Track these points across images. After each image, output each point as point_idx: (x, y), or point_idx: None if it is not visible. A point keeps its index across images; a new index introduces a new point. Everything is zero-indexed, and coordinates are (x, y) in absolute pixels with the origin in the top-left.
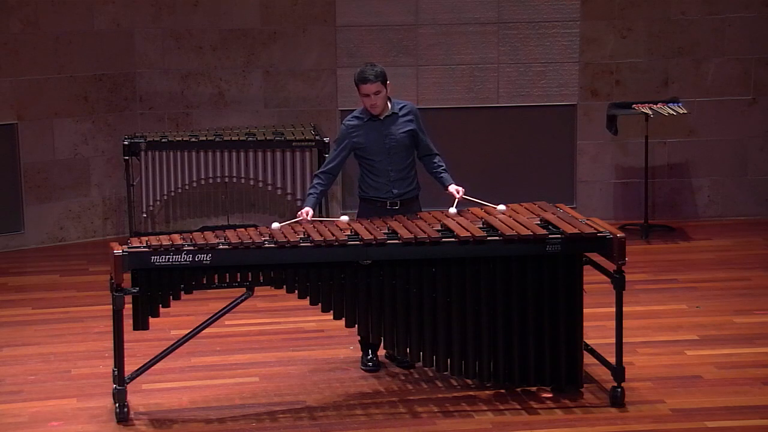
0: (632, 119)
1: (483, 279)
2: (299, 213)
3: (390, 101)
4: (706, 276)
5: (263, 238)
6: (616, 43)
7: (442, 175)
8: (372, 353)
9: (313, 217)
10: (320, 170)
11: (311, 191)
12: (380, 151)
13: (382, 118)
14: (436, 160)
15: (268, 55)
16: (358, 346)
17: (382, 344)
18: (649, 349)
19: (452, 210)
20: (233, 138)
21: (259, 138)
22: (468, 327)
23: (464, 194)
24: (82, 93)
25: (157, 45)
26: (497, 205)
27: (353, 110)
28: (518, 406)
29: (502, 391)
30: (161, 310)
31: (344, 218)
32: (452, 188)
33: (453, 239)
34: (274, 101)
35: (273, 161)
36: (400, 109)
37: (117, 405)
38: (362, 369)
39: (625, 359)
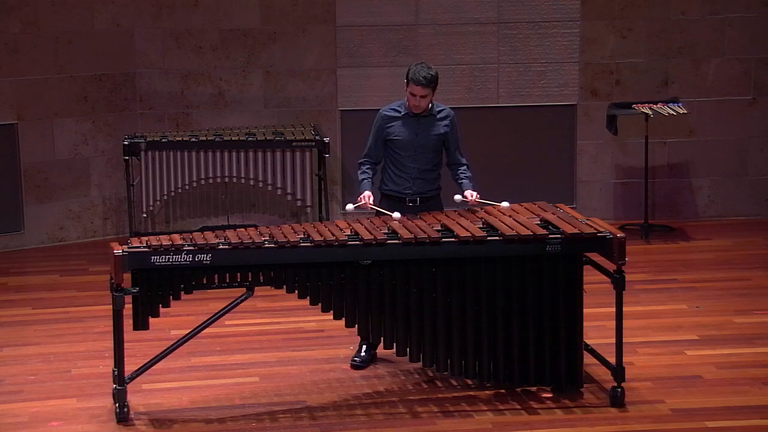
0: (632, 119)
1: (483, 279)
2: (360, 198)
3: (431, 103)
4: (706, 276)
5: (263, 238)
6: (616, 43)
7: (462, 181)
8: (366, 351)
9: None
10: (363, 159)
11: (364, 177)
12: (409, 147)
13: (418, 116)
14: (462, 169)
15: (268, 55)
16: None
17: (382, 344)
18: (649, 349)
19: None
20: (233, 138)
21: (259, 138)
22: (468, 327)
23: (479, 198)
24: (82, 93)
25: (157, 45)
26: (501, 202)
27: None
28: (518, 406)
29: (502, 391)
30: (161, 310)
31: (396, 215)
32: (467, 193)
33: (453, 239)
34: (274, 101)
35: (273, 161)
36: (439, 112)
37: (117, 405)
38: (350, 365)
39: (625, 359)
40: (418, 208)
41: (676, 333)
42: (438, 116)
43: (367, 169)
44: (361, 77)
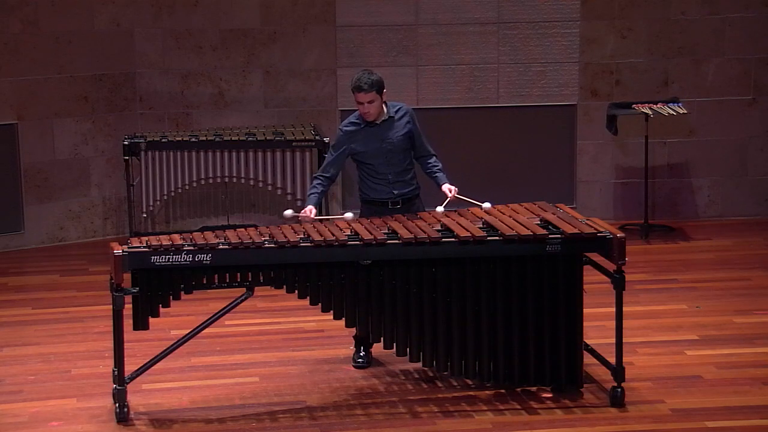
0: (632, 119)
1: (483, 279)
2: (303, 212)
3: (386, 105)
4: (706, 276)
5: (263, 238)
6: (616, 43)
7: (436, 174)
8: (364, 350)
9: (316, 215)
10: (319, 173)
11: (312, 191)
12: (378, 155)
13: (378, 123)
14: (431, 161)
15: (268, 55)
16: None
17: (382, 344)
18: (649, 349)
19: (439, 209)
20: (233, 138)
21: (259, 138)
22: (468, 327)
23: (457, 193)
24: (82, 93)
25: (157, 45)
26: (482, 203)
27: (353, 110)
28: (518, 406)
29: (502, 391)
30: (161, 310)
31: (348, 215)
32: (445, 187)
33: (453, 239)
34: (274, 101)
35: (273, 161)
36: (396, 111)
37: (117, 405)
38: (353, 366)
39: (625, 359)
40: (400, 210)
41: (676, 333)
42: (396, 117)
43: (317, 184)
44: None
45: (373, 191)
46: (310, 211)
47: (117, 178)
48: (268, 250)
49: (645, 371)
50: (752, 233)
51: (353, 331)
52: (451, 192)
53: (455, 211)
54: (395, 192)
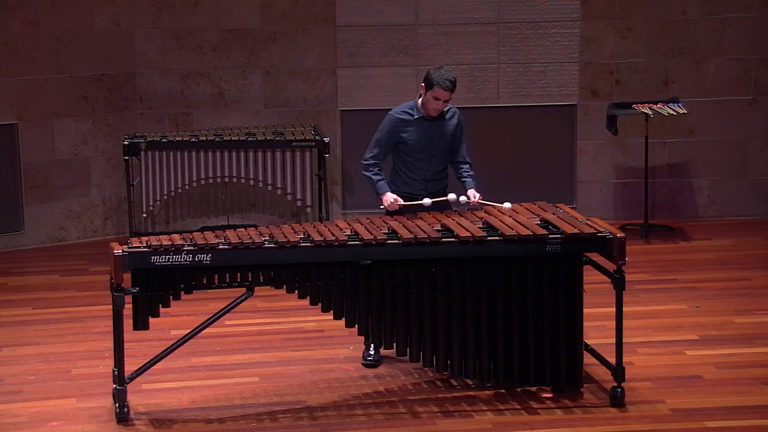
0: (632, 119)
1: (483, 279)
2: (387, 201)
3: None
4: (706, 276)
5: (263, 238)
6: (616, 43)
7: (465, 179)
8: (374, 349)
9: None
10: (371, 160)
11: (379, 178)
12: (423, 150)
13: (431, 119)
14: (465, 167)
15: (268, 55)
16: (359, 345)
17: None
18: (649, 349)
19: (451, 195)
20: (233, 138)
21: (259, 138)
22: (468, 327)
23: (481, 200)
24: (82, 93)
25: (157, 45)
26: (503, 203)
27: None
28: (518, 406)
29: (502, 391)
30: (161, 310)
31: (427, 201)
32: (470, 192)
33: (453, 239)
34: (274, 101)
35: (273, 161)
36: (446, 111)
37: (117, 405)
38: (362, 363)
39: (625, 359)
40: (430, 207)
41: (676, 333)
42: (447, 116)
43: (378, 171)
44: (361, 77)
45: (406, 185)
46: (396, 199)
47: (117, 178)
48: (268, 250)
49: (645, 371)
50: (752, 233)
51: (353, 331)
52: (474, 197)
53: (455, 211)
54: (427, 190)
